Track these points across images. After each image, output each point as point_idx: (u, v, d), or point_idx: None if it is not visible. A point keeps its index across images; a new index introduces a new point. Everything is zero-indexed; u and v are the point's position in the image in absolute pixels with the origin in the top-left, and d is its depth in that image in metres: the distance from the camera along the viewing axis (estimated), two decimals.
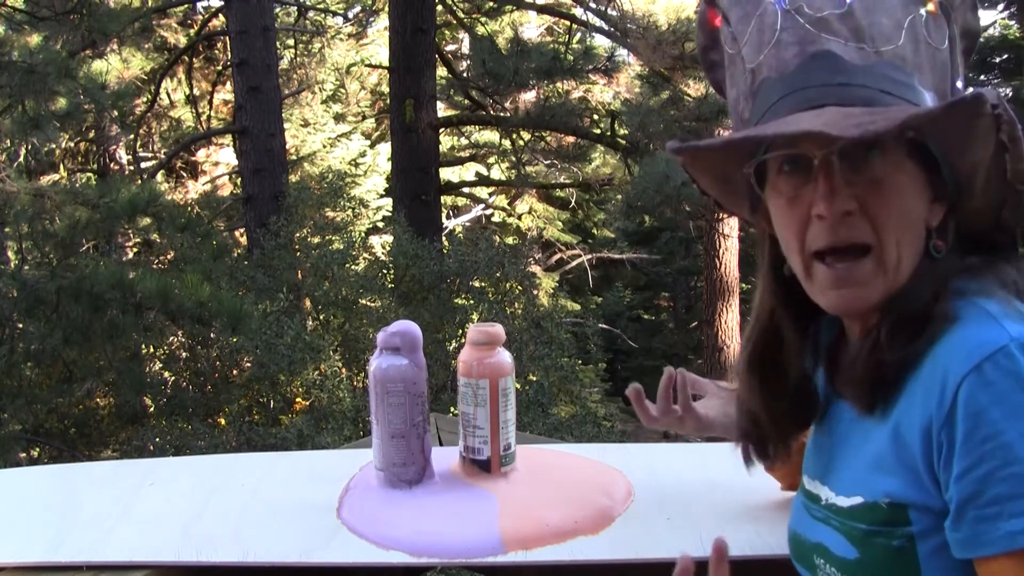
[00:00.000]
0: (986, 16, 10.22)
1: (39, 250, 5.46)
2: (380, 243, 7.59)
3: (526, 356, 5.24)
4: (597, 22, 8.20)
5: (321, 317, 5.77)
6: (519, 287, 5.78)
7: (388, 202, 9.58)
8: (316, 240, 6.15)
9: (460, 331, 5.34)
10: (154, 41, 9.60)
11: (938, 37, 0.78)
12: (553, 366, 5.36)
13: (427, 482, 1.23)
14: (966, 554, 0.66)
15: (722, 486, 1.22)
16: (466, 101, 8.68)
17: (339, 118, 12.32)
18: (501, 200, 12.90)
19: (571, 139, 8.69)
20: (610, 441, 4.64)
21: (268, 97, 7.04)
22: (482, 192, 12.61)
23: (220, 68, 9.86)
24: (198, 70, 10.21)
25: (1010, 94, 9.60)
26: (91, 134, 9.65)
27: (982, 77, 10.08)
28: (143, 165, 9.82)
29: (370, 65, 11.38)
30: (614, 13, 7.59)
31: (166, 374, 5.56)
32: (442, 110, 8.64)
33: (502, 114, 8.09)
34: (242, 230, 8.00)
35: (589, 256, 12.31)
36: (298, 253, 6.00)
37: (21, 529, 1.19)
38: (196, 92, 9.84)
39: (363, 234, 7.03)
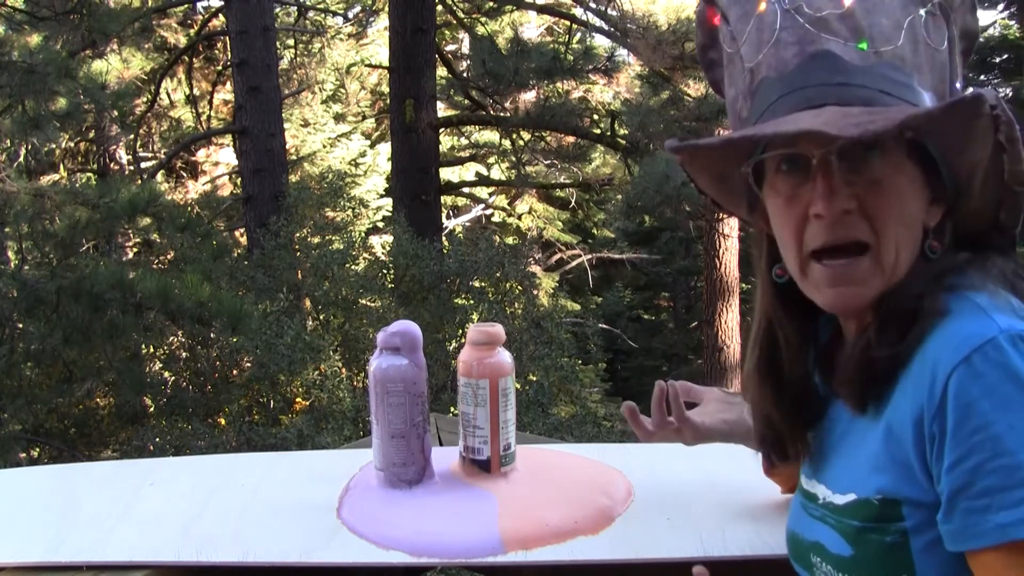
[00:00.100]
0: (986, 16, 10.22)
1: (39, 250, 5.46)
2: (380, 243, 7.59)
3: (526, 356, 5.24)
4: (597, 22, 8.20)
5: (321, 317, 5.77)
6: (519, 287, 5.78)
7: (388, 202, 9.58)
8: (316, 240, 6.15)
9: (460, 331, 5.34)
10: (154, 41, 9.60)
11: (937, 38, 0.79)
12: (553, 366, 5.36)
13: (427, 482, 1.23)
14: (957, 546, 0.66)
15: (722, 486, 1.22)
16: (466, 101, 8.68)
17: (339, 118, 12.32)
18: (501, 200, 12.90)
19: (571, 139, 8.68)
20: (610, 441, 4.64)
21: (268, 97, 7.04)
22: (482, 192, 12.61)
23: (220, 68, 9.86)
24: (198, 70, 10.21)
25: (1010, 94, 9.60)
26: (91, 134, 9.65)
27: (982, 77, 10.08)
28: (143, 165, 9.82)
29: (370, 65, 11.38)
30: (614, 13, 7.59)
31: (166, 374, 5.56)
32: (442, 110, 8.64)
33: (502, 114, 8.09)
34: (242, 230, 8.00)
35: (589, 256, 12.31)
36: (298, 253, 6.00)
37: (21, 529, 1.19)
38: (196, 92, 9.84)
39: (363, 234, 7.03)
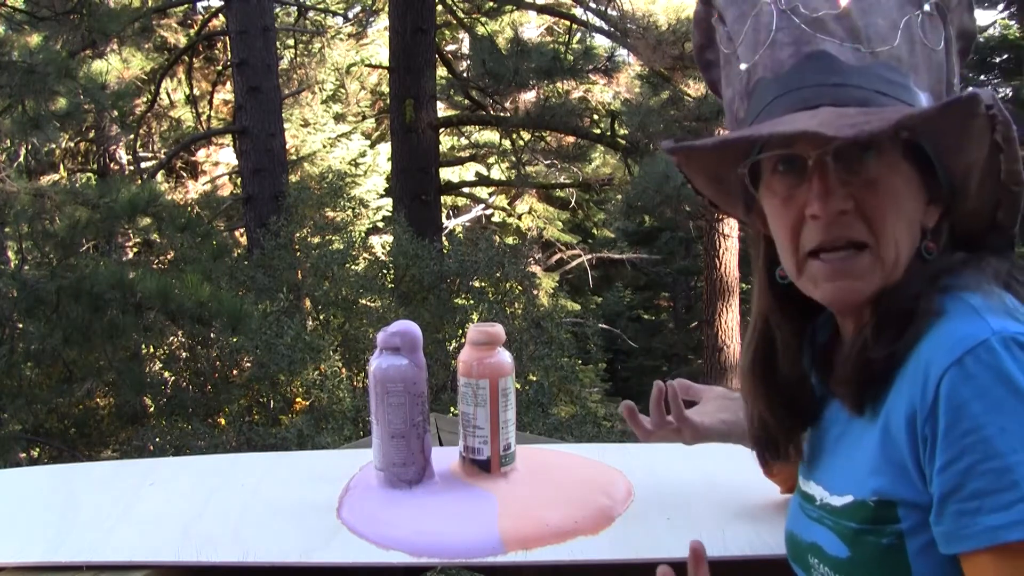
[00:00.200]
0: (986, 16, 10.23)
1: (39, 250, 5.46)
2: (380, 243, 7.59)
3: (526, 356, 5.24)
4: (597, 22, 8.20)
5: (321, 317, 5.77)
6: (519, 287, 5.78)
7: (388, 202, 9.58)
8: (316, 240, 6.15)
9: (460, 331, 5.34)
10: (154, 41, 9.60)
11: (934, 38, 0.78)
12: (553, 366, 5.36)
13: (427, 482, 1.23)
14: (949, 548, 0.67)
15: (722, 486, 1.22)
16: (466, 101, 8.68)
17: (339, 118, 12.32)
18: (501, 200, 12.90)
19: (571, 139, 8.69)
20: (610, 441, 4.64)
21: (268, 97, 7.04)
22: (482, 192, 12.61)
23: (220, 68, 9.86)
24: (198, 70, 10.21)
25: (1010, 94, 9.60)
26: (91, 134, 9.65)
27: (982, 77, 10.08)
28: (143, 165, 9.82)
29: (370, 65, 11.38)
30: (614, 13, 7.59)
31: (166, 374, 5.56)
32: (442, 110, 8.64)
33: (502, 114, 8.09)
34: (242, 230, 8.01)
35: (589, 256, 12.31)
36: (298, 253, 6.00)
37: (21, 529, 1.19)
38: (196, 92, 9.84)
39: (363, 234, 7.03)
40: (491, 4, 9.81)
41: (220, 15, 8.68)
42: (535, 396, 5.02)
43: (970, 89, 0.69)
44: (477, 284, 5.67)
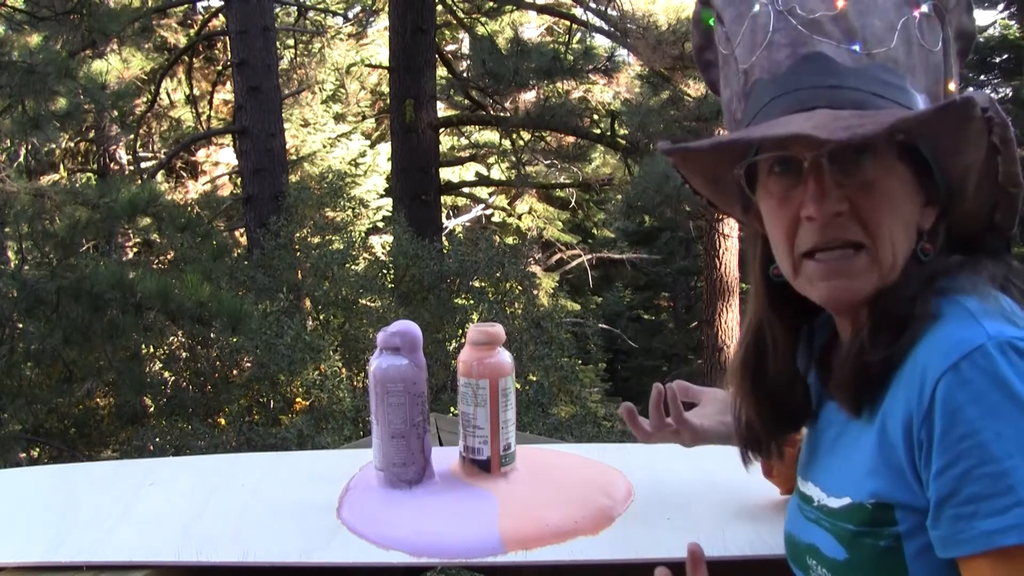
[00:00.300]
0: (986, 16, 10.23)
1: (39, 250, 5.46)
2: (380, 243, 7.59)
3: (526, 356, 5.24)
4: (597, 22, 8.21)
5: (321, 317, 5.77)
6: (519, 287, 5.78)
7: (388, 202, 9.58)
8: (316, 240, 6.15)
9: (460, 331, 5.34)
10: (154, 41, 9.60)
11: (931, 39, 0.78)
12: (553, 366, 5.36)
13: (427, 482, 1.23)
14: (946, 553, 0.67)
15: (722, 486, 1.22)
16: (466, 101, 8.68)
17: (339, 118, 12.32)
18: (501, 200, 12.90)
19: (571, 139, 8.69)
20: (610, 441, 4.64)
21: (268, 97, 7.04)
22: (482, 192, 12.61)
23: (220, 68, 9.86)
24: (198, 70, 10.21)
25: (1010, 94, 9.60)
26: (91, 134, 9.65)
27: (982, 77, 10.08)
28: (143, 165, 9.82)
29: (370, 65, 11.38)
30: (614, 13, 7.59)
31: (166, 374, 5.56)
32: (442, 110, 8.64)
33: (502, 114, 8.09)
34: (242, 230, 8.01)
35: (589, 256, 12.31)
36: (298, 253, 6.00)
37: (21, 529, 1.19)
38: (196, 92, 9.84)
39: (363, 234, 7.03)
40: (491, 4, 9.81)
41: (220, 15, 8.68)
42: (535, 396, 5.02)
43: (969, 90, 0.69)
44: (477, 284, 5.67)
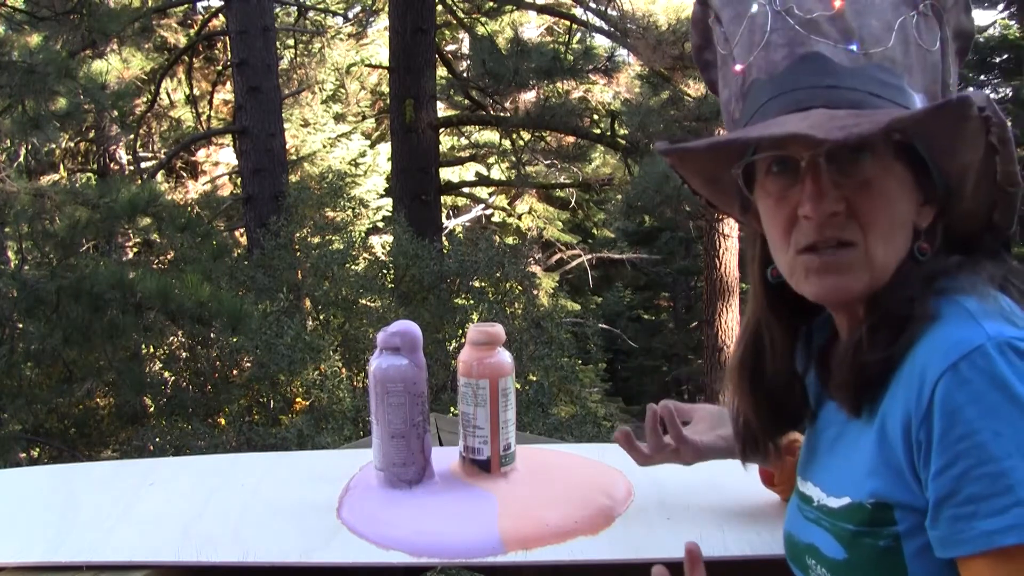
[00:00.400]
0: (986, 16, 10.23)
1: (39, 250, 5.46)
2: (380, 243, 7.59)
3: (526, 356, 5.24)
4: (597, 22, 8.21)
5: (321, 317, 5.77)
6: (519, 287, 5.78)
7: (388, 202, 9.58)
8: (316, 240, 6.16)
9: (460, 331, 5.34)
10: (154, 41, 9.60)
11: (929, 39, 0.78)
12: (553, 366, 5.36)
13: (427, 482, 1.23)
14: (945, 553, 0.67)
15: (722, 486, 1.22)
16: (466, 101, 8.68)
17: (339, 118, 12.32)
18: (501, 200, 12.90)
19: (571, 139, 8.69)
20: (610, 441, 4.63)
21: (268, 97, 7.04)
22: (482, 192, 12.61)
23: (220, 68, 9.86)
24: (198, 70, 10.21)
25: (1010, 94, 9.60)
26: (91, 134, 9.65)
27: (982, 77, 10.08)
28: (143, 165, 9.82)
29: (370, 65, 11.38)
30: (614, 13, 7.59)
31: (166, 374, 5.56)
32: (442, 110, 8.64)
33: (502, 114, 8.09)
34: (242, 230, 8.01)
35: (589, 256, 12.31)
36: (298, 253, 6.00)
37: (21, 529, 1.19)
38: (196, 92, 9.84)
39: (363, 234, 7.03)
40: (491, 4, 9.81)
41: (220, 15, 8.68)
42: (535, 396, 5.02)
43: (969, 90, 0.69)
44: (477, 284, 5.67)
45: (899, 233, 0.76)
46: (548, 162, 9.58)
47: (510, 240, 11.40)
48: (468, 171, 11.88)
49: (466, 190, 11.69)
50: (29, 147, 7.49)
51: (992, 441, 0.64)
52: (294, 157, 10.70)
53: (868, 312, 0.77)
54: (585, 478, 1.27)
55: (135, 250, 8.47)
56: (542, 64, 7.34)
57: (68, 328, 4.38)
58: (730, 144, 0.78)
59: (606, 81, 8.65)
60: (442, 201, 8.61)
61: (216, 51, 10.39)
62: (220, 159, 11.42)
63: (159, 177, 9.40)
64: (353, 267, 5.82)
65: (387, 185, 10.49)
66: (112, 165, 9.63)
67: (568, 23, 9.24)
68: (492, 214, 13.27)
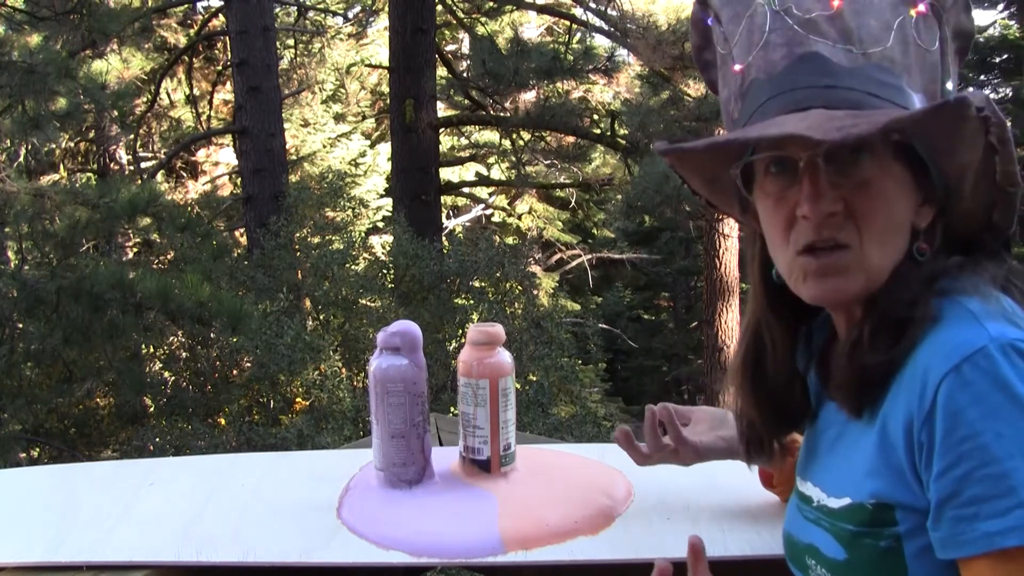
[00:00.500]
0: (986, 16, 10.22)
1: (39, 250, 5.46)
2: (380, 243, 7.59)
3: (526, 356, 5.24)
4: (597, 22, 8.21)
5: (321, 317, 5.77)
6: (519, 287, 5.78)
7: (388, 202, 9.58)
8: (316, 240, 6.16)
9: (460, 331, 5.34)
10: (154, 41, 9.60)
11: (928, 38, 0.78)
12: (553, 366, 5.36)
13: (427, 482, 1.23)
14: (947, 554, 0.67)
15: (722, 486, 1.22)
16: (466, 101, 8.68)
17: (339, 118, 12.32)
18: (501, 200, 12.90)
19: (571, 139, 8.69)
20: (610, 441, 4.63)
21: (268, 97, 7.04)
22: (482, 192, 12.61)
23: (220, 68, 9.86)
24: (198, 70, 10.21)
25: (1010, 94, 9.60)
26: (91, 134, 9.65)
27: (982, 77, 10.08)
28: (143, 165, 9.82)
29: (370, 65, 11.38)
30: (614, 13, 7.59)
31: (166, 374, 5.56)
32: (442, 110, 8.64)
33: (502, 114, 8.09)
34: (242, 230, 8.01)
35: (589, 256, 12.31)
36: (298, 253, 6.00)
37: (21, 529, 1.19)
38: (196, 92, 9.84)
39: (363, 234, 7.03)
40: (491, 4, 9.81)
41: (220, 15, 8.68)
42: (535, 396, 5.02)
43: (969, 90, 0.69)
44: (477, 284, 5.67)
45: (897, 234, 0.76)
46: (548, 162, 9.58)
47: (510, 240, 11.40)
48: (468, 171, 11.88)
49: (466, 190, 11.69)
50: (29, 147, 7.49)
51: (994, 442, 0.63)
52: (294, 157, 10.70)
53: (867, 313, 0.77)
54: (585, 478, 1.27)
55: (135, 250, 8.47)
56: (542, 64, 7.34)
57: (68, 328, 4.38)
58: (729, 144, 0.78)
59: (606, 81, 8.65)
60: (442, 201, 8.61)
61: (216, 51, 10.39)
62: (220, 159, 11.42)
63: (159, 177, 9.40)
64: (353, 267, 5.82)
65: (387, 185, 10.49)
66: (112, 165, 9.63)
67: (568, 23, 9.23)
68: (492, 214, 13.27)
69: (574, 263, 12.42)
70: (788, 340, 0.88)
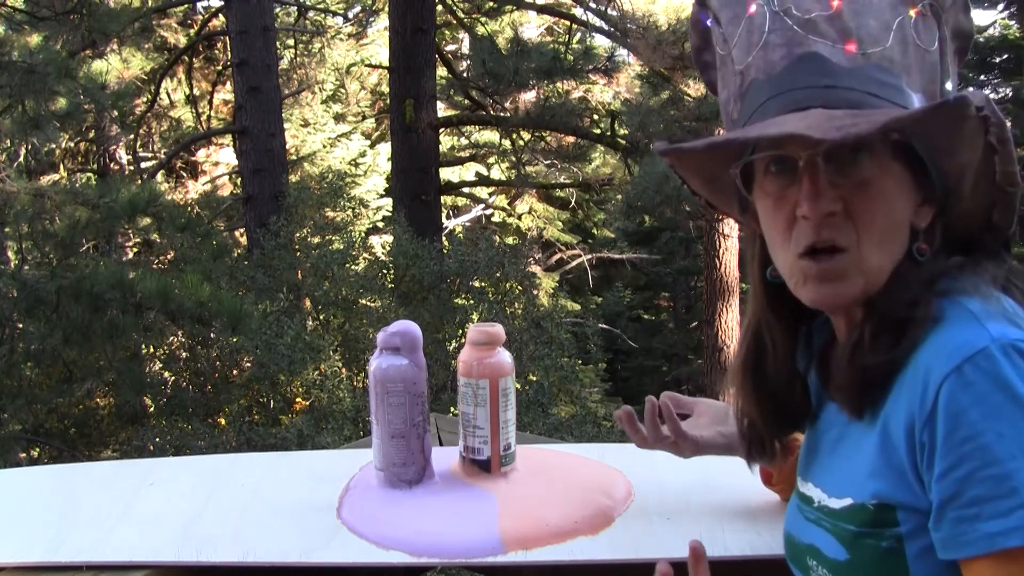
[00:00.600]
0: (986, 16, 10.22)
1: (39, 250, 5.46)
2: (380, 243, 7.59)
3: (526, 356, 5.24)
4: (597, 22, 8.21)
5: (321, 317, 5.77)
6: (519, 287, 5.78)
7: (388, 202, 9.59)
8: (316, 240, 6.16)
9: (460, 331, 5.34)
10: (154, 41, 9.60)
11: (927, 38, 0.78)
12: (553, 366, 5.36)
13: (427, 482, 1.23)
14: (948, 555, 0.67)
15: (722, 486, 1.22)
16: (466, 101, 8.68)
17: (339, 118, 12.32)
18: (501, 200, 12.90)
19: (571, 139, 8.69)
20: (610, 441, 4.63)
21: (268, 97, 7.04)
22: (482, 192, 12.61)
23: (220, 68, 9.86)
24: (198, 70, 10.21)
25: (1010, 94, 9.60)
26: (91, 134, 9.65)
27: (982, 77, 10.08)
28: (143, 165, 9.82)
29: (370, 65, 11.38)
30: (614, 13, 7.59)
31: (166, 374, 5.57)
32: (442, 110, 8.64)
33: (502, 114, 8.09)
34: (242, 230, 8.01)
35: (589, 256, 12.31)
36: (298, 253, 6.00)
37: (21, 529, 1.19)
38: (196, 92, 9.84)
39: (363, 234, 7.03)
40: (491, 4, 9.81)
41: (220, 15, 8.68)
42: (535, 396, 5.02)
43: (968, 90, 0.69)
44: (477, 284, 5.67)
45: (896, 234, 0.76)
46: (548, 162, 9.58)
47: (510, 240, 11.40)
48: (468, 171, 11.88)
49: (466, 190, 11.69)
50: (29, 147, 7.49)
51: (996, 443, 0.63)
52: (294, 157, 10.70)
53: (868, 314, 0.77)
54: (585, 478, 1.27)
55: (135, 250, 8.47)
56: (542, 64, 7.35)
57: (68, 328, 4.38)
58: (728, 144, 0.78)
59: (606, 81, 8.65)
60: (442, 201, 8.61)
61: (216, 51, 10.39)
62: (220, 159, 11.42)
63: (159, 177, 9.40)
64: (353, 267, 5.82)
65: (387, 185, 10.49)
66: (112, 165, 9.63)
67: (568, 23, 9.24)
68: (492, 214, 13.27)
69: (574, 263, 12.42)
70: (788, 340, 0.88)
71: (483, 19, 9.83)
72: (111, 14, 5.87)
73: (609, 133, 7.63)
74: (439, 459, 1.27)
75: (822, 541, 0.79)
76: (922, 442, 0.68)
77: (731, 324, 8.99)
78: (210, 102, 9.89)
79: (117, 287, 4.30)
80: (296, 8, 10.43)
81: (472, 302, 5.55)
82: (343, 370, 5.18)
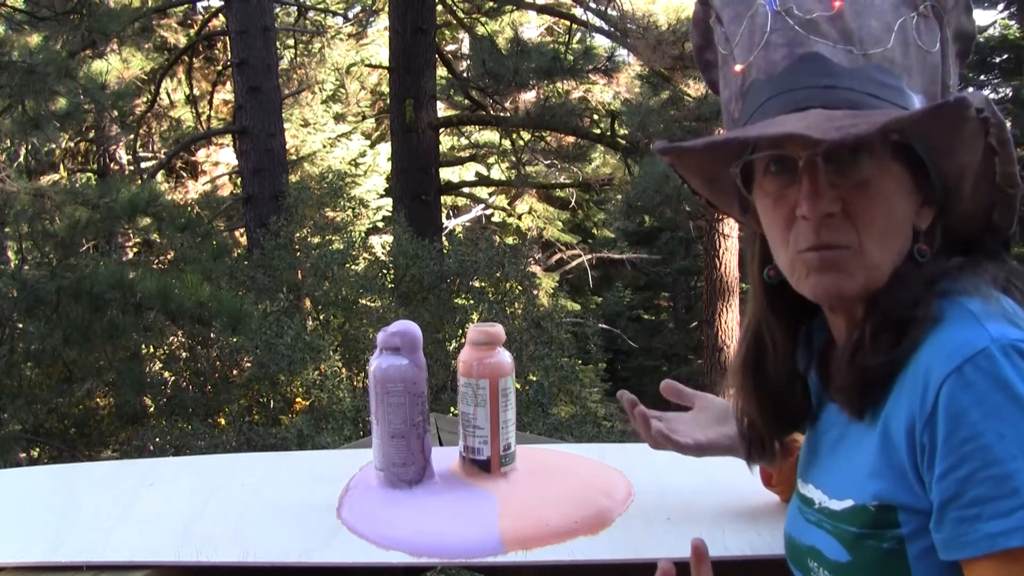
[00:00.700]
0: (986, 16, 10.23)
1: (39, 250, 5.46)
2: (380, 243, 7.59)
3: (526, 356, 5.24)
4: (597, 22, 8.21)
5: (321, 317, 5.77)
6: (519, 287, 5.78)
7: (388, 202, 9.59)
8: (316, 240, 6.16)
9: (460, 331, 5.34)
10: (154, 41, 9.61)
11: (929, 40, 0.78)
12: (553, 366, 5.36)
13: (427, 482, 1.23)
14: (949, 555, 0.67)
15: (722, 486, 1.22)
16: (466, 101, 8.68)
17: (339, 118, 12.32)
18: (501, 200, 12.90)
19: (571, 139, 8.69)
20: (610, 441, 4.64)
21: (268, 97, 7.04)
22: (482, 192, 12.61)
23: (220, 68, 9.87)
24: (198, 70, 10.21)
25: (1010, 94, 9.60)
26: (91, 134, 9.65)
27: (982, 77, 10.08)
28: (143, 165, 9.83)
29: (370, 65, 11.38)
30: (614, 13, 7.59)
31: (166, 374, 5.57)
32: (442, 110, 8.64)
33: (502, 114, 8.09)
34: (242, 230, 8.01)
35: (589, 256, 12.31)
36: (298, 253, 6.00)
37: (21, 529, 1.19)
38: (196, 92, 9.84)
39: (363, 234, 7.03)
40: (491, 4, 9.82)
41: (220, 15, 8.68)
42: (535, 396, 5.02)
43: (969, 91, 0.69)
44: (477, 284, 5.67)
45: (896, 234, 0.76)
46: (548, 162, 9.58)
47: (510, 240, 11.40)
48: (468, 171, 11.88)
49: (466, 190, 11.70)
50: (29, 147, 7.49)
51: (997, 443, 0.63)
52: (294, 157, 10.71)
53: (868, 314, 0.77)
54: (585, 478, 1.27)
55: (135, 250, 8.47)
56: (542, 64, 7.35)
57: (68, 328, 4.38)
58: (728, 143, 0.78)
59: (606, 81, 8.66)
60: (442, 201, 8.61)
61: (216, 51, 10.39)
62: (220, 159, 11.42)
63: (159, 177, 9.40)
64: (353, 267, 5.82)
65: (387, 185, 10.49)
66: (112, 165, 9.63)
67: (568, 23, 9.24)
68: (492, 214, 13.27)
69: (574, 263, 12.42)
70: (789, 340, 0.88)
71: (483, 19, 9.83)
72: (111, 14, 5.87)
73: (609, 133, 7.63)
74: (439, 459, 1.27)
75: (823, 543, 0.79)
76: (923, 443, 0.68)
77: (731, 324, 8.99)
78: (210, 102, 9.89)
79: (117, 287, 4.30)
80: (296, 8, 10.43)
81: (472, 302, 5.55)
82: (343, 370, 5.18)
